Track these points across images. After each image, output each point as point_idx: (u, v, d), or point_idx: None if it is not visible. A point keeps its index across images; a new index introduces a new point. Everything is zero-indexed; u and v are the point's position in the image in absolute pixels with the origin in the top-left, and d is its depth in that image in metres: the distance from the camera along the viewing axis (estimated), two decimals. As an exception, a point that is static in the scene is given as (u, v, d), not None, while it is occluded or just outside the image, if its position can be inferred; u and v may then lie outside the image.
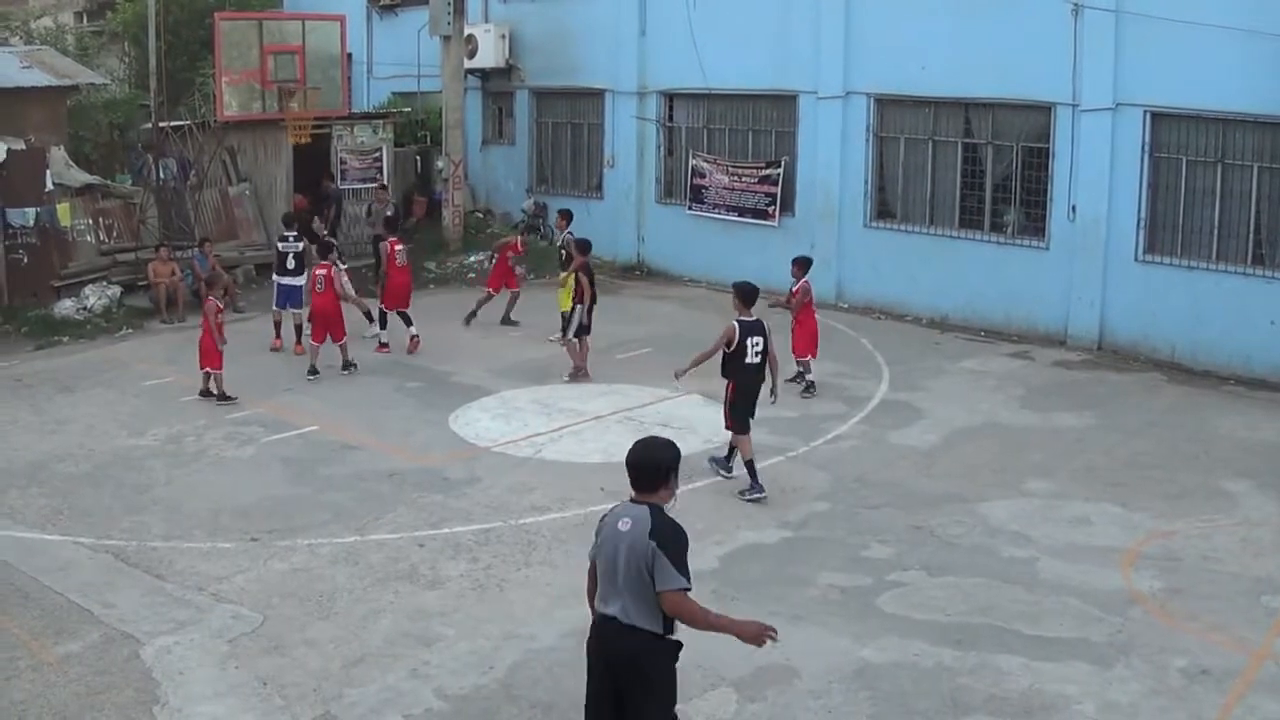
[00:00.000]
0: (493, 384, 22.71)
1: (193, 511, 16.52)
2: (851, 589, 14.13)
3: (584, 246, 23.85)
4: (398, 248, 25.32)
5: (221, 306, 22.14)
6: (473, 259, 33.68)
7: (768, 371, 17.52)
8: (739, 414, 17.43)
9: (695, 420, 20.42)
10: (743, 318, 17.29)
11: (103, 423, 20.48)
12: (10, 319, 27.13)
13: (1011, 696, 11.70)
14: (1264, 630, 13.34)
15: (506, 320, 27.45)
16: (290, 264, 25.43)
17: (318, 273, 23.34)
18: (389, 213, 29.41)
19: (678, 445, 9.43)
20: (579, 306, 23.17)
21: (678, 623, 9.01)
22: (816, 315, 23.14)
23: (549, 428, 20.27)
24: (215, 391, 21.62)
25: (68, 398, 21.98)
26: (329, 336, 23.21)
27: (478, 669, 12.31)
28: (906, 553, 15.23)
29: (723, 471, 17.91)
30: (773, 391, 17.77)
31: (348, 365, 23.38)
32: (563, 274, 24.25)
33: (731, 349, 17.24)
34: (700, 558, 14.76)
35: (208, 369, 21.65)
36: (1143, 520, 16.37)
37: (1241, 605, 13.93)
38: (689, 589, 8.89)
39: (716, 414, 20.11)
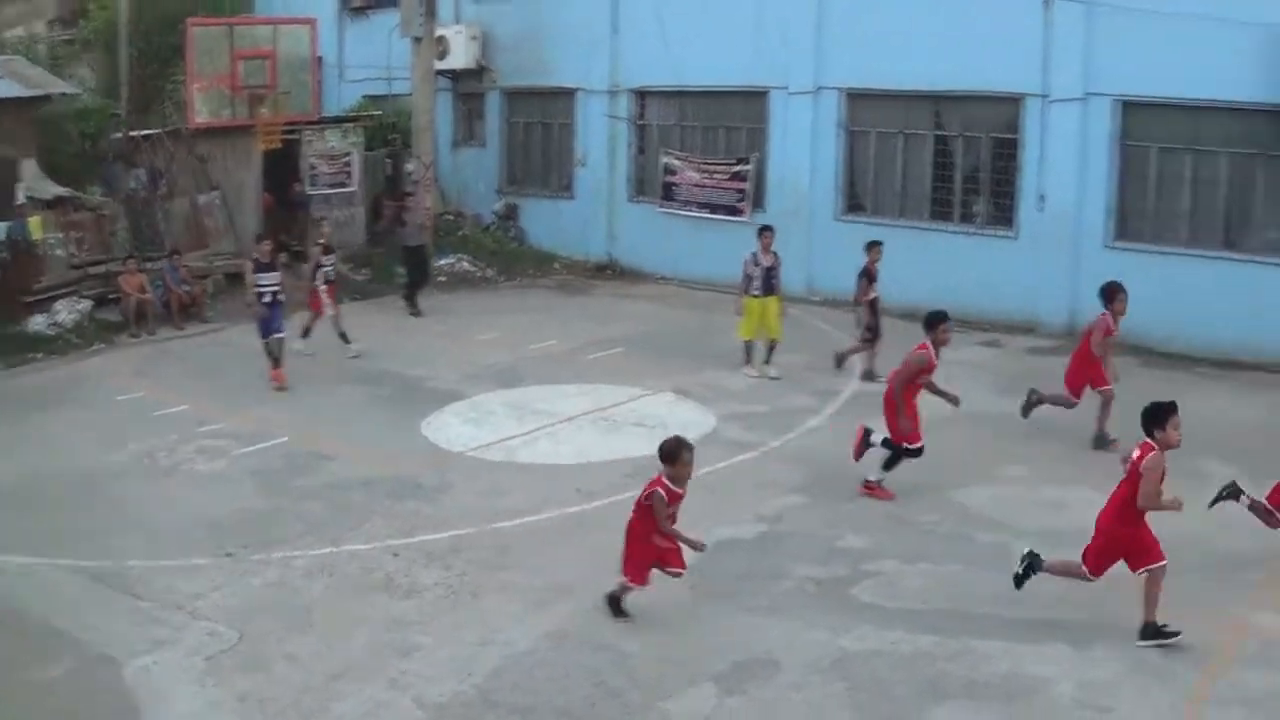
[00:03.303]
0: (465, 388, 22.59)
1: (167, 528, 16.26)
2: (828, 580, 14.09)
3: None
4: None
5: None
6: (443, 262, 33.54)
7: None
8: None
9: (668, 418, 20.33)
10: None
11: (75, 440, 20.14)
12: (-18, 338, 26.70)
13: (992, 680, 11.70)
14: (1243, 605, 13.37)
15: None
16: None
17: None
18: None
19: None
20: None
21: None
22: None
23: (522, 430, 20.18)
24: None
25: (41, 416, 21.74)
26: None
27: (456, 676, 12.21)
28: (883, 542, 15.20)
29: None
30: None
31: None
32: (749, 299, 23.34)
33: None
34: (676, 555, 14.80)
35: None
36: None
37: (1219, 583, 14.00)
38: None
39: (689, 411, 20.15)
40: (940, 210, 28.40)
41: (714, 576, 14.28)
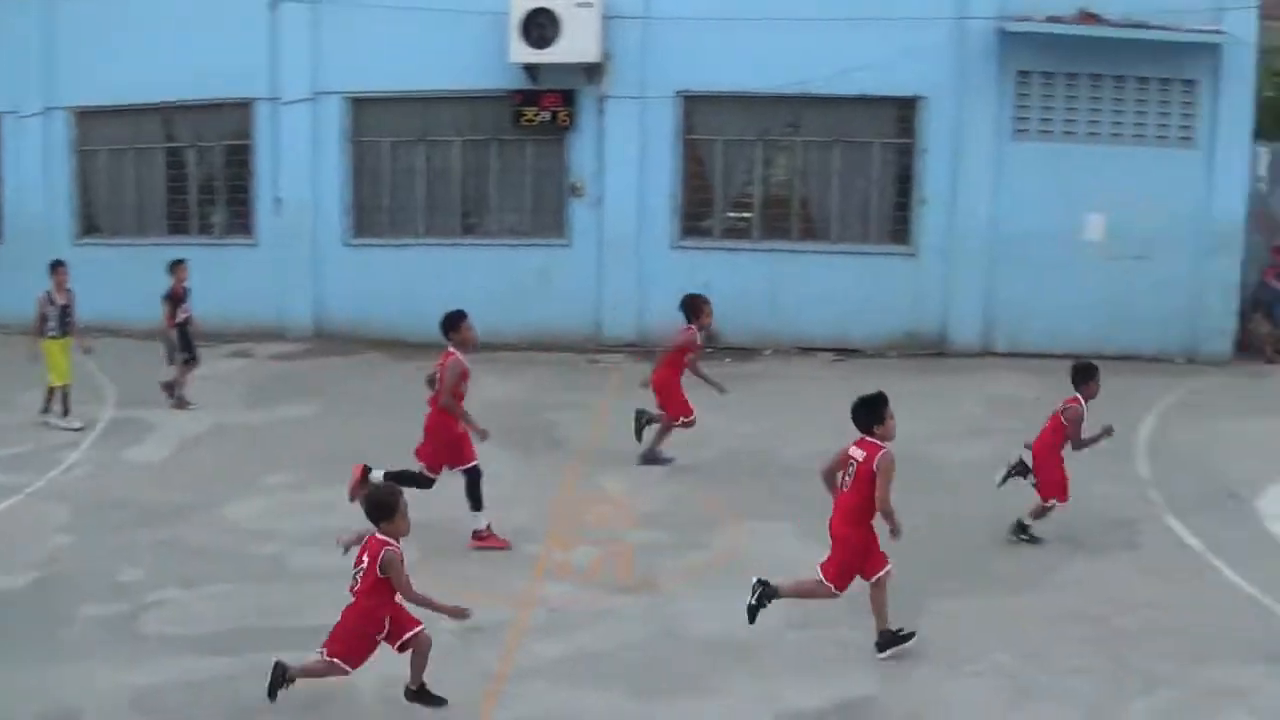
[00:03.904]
0: None
1: None
2: (111, 617, 13.70)
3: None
4: None
5: None
6: None
7: None
8: None
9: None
10: None
11: None
12: None
13: (292, 693, 11.64)
14: (528, 579, 13.98)
15: None
16: None
17: None
18: None
19: None
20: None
21: None
22: None
23: None
24: None
25: None
26: None
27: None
28: (161, 571, 14.96)
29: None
30: None
31: None
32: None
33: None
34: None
35: None
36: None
37: (500, 560, 14.95)
38: None
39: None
40: (178, 224, 28.38)
41: (-10, 632, 13.73)
